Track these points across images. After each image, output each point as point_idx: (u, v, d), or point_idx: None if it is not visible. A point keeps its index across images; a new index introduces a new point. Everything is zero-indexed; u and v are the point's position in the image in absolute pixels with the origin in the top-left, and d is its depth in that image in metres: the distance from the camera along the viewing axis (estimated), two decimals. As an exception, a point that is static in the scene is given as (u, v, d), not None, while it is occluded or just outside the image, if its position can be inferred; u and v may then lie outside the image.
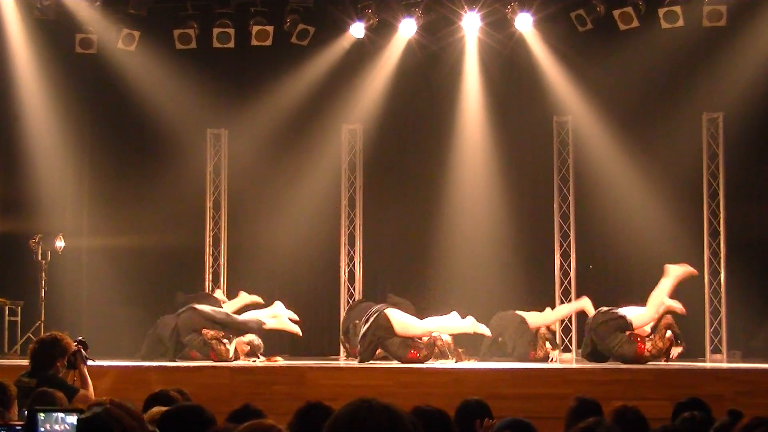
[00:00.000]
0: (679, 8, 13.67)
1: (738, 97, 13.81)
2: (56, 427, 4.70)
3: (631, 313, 11.94)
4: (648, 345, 11.59)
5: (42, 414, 4.70)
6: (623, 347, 11.69)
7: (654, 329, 11.73)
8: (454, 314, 12.24)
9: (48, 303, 14.07)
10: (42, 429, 4.69)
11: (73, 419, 4.64)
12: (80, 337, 7.63)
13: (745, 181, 14.16)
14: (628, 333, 11.72)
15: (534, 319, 12.95)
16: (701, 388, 9.56)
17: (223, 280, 15.05)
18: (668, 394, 9.07)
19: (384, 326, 12.09)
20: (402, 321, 12.13)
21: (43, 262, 14.22)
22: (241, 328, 12.77)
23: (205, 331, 12.62)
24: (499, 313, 13.13)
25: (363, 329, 12.22)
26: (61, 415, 4.72)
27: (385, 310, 12.20)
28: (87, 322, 14.53)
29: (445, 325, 12.20)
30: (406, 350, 12.00)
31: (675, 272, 12.00)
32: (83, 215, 15.44)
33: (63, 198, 15.15)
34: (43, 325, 13.66)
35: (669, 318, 11.70)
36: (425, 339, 11.99)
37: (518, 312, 12.98)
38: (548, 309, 13.16)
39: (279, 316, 13.03)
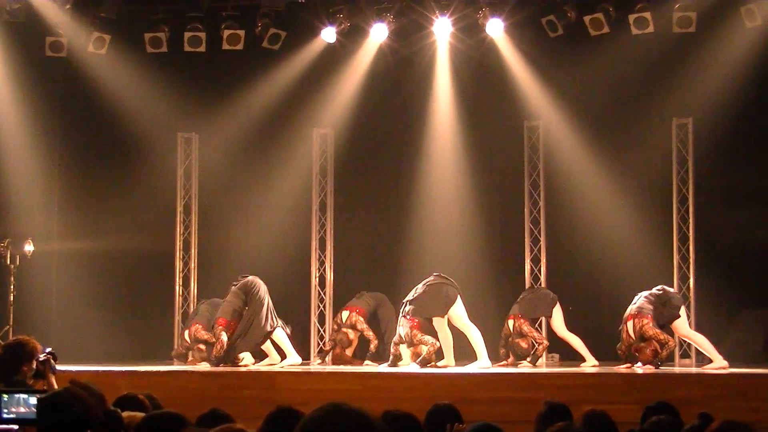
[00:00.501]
0: (649, 14, 13.73)
1: (707, 103, 13.88)
2: (20, 409, 4.71)
3: (684, 319, 12.21)
4: (650, 325, 11.75)
5: (5, 396, 4.71)
6: (643, 323, 11.84)
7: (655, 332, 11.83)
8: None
9: (17, 307, 13.98)
10: (5, 411, 4.69)
11: (35, 400, 4.65)
12: (49, 349, 7.58)
13: (714, 187, 14.23)
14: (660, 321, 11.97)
15: (557, 320, 13.04)
16: (671, 392, 9.61)
17: (193, 284, 15.02)
18: (638, 398, 9.12)
19: (445, 301, 12.26)
20: (458, 310, 12.29)
21: (12, 266, 14.14)
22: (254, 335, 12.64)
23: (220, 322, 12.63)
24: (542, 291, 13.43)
25: (421, 289, 12.39)
26: (24, 396, 4.74)
27: (457, 293, 12.37)
28: (56, 327, 14.46)
29: (477, 342, 12.25)
30: (415, 318, 12.13)
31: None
32: (53, 219, 15.36)
33: (32, 202, 15.05)
34: (11, 329, 13.58)
35: (673, 344, 11.95)
36: (428, 339, 12.03)
37: (554, 309, 13.09)
38: (570, 335, 13.15)
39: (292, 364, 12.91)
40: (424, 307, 12.26)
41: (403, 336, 12.16)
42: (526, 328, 12.76)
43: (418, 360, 11.88)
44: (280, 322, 12.68)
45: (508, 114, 14.81)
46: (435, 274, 12.61)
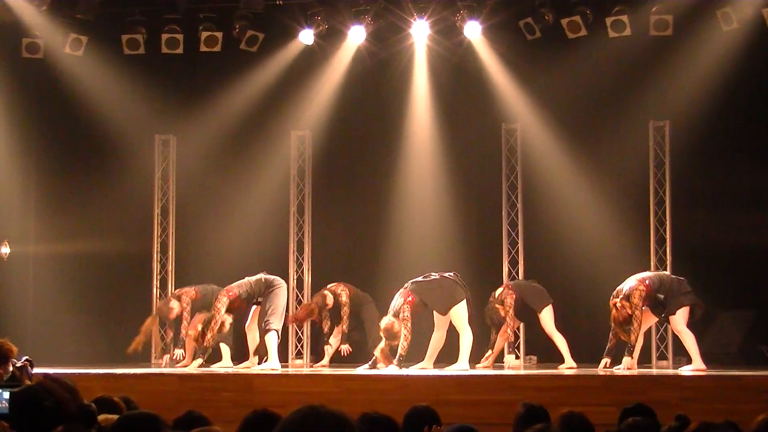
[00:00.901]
0: (626, 17, 13.76)
1: (684, 106, 13.93)
2: None
3: (684, 313, 12.08)
4: (641, 295, 11.83)
5: None
6: (639, 288, 11.89)
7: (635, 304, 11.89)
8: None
9: (-7, 310, 13.94)
10: None
11: (8, 395, 4.63)
12: (26, 357, 7.57)
13: (691, 189, 14.28)
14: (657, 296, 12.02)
15: (547, 316, 13.01)
16: (648, 394, 9.64)
17: (170, 287, 14.96)
18: (615, 400, 9.12)
19: (450, 300, 12.26)
20: (460, 310, 12.25)
21: (-12, 268, 14.10)
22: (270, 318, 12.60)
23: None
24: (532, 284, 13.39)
25: (434, 276, 12.43)
26: None
27: (465, 297, 12.31)
28: (33, 329, 14.40)
29: (465, 345, 12.24)
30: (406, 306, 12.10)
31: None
32: (29, 221, 15.29)
33: (9, 204, 14.98)
34: (-13, 332, 13.53)
35: (638, 329, 11.90)
36: (406, 331, 11.98)
37: (546, 307, 13.01)
38: (557, 333, 13.12)
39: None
40: (427, 292, 12.28)
41: (394, 306, 12.16)
42: (509, 300, 12.83)
43: (395, 360, 11.89)
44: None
45: (485, 116, 14.83)
46: (454, 272, 12.65)
